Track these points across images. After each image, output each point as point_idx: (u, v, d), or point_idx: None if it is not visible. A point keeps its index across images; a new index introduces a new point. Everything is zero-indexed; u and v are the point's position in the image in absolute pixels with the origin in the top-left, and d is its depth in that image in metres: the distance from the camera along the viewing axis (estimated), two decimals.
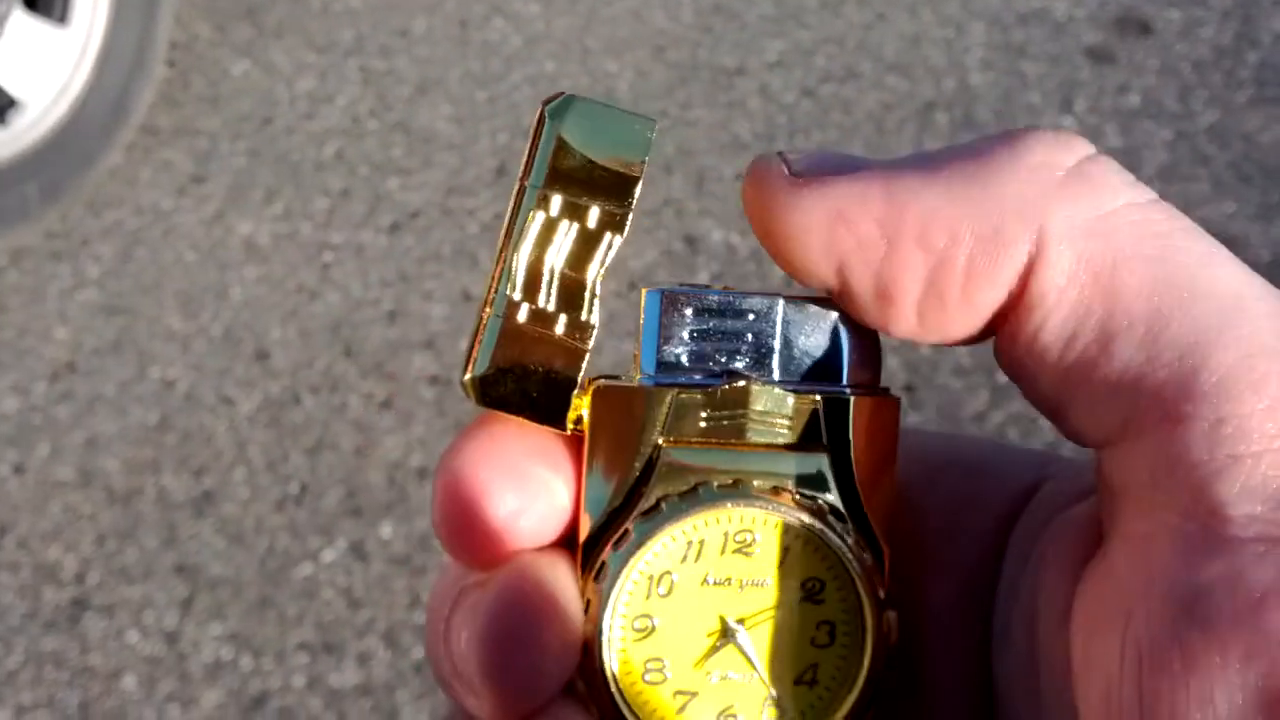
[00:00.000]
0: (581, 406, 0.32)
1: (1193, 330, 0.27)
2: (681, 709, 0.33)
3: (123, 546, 1.58)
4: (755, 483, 0.32)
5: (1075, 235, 0.29)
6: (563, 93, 0.32)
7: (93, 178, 1.96)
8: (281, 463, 1.66)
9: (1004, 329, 0.31)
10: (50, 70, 1.83)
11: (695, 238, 1.91)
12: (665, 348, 0.32)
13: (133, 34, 1.93)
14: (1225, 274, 0.28)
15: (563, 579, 0.32)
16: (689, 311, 0.32)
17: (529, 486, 0.32)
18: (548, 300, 0.32)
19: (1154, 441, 0.28)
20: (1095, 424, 0.29)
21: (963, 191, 0.29)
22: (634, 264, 1.88)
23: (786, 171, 0.31)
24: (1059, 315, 0.29)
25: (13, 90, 1.79)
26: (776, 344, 0.33)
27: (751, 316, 0.33)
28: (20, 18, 1.79)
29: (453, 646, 0.31)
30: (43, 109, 1.83)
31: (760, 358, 0.33)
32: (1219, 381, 0.27)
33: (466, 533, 0.31)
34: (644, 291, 0.33)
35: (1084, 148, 0.30)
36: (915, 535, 0.35)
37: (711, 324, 0.33)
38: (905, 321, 0.31)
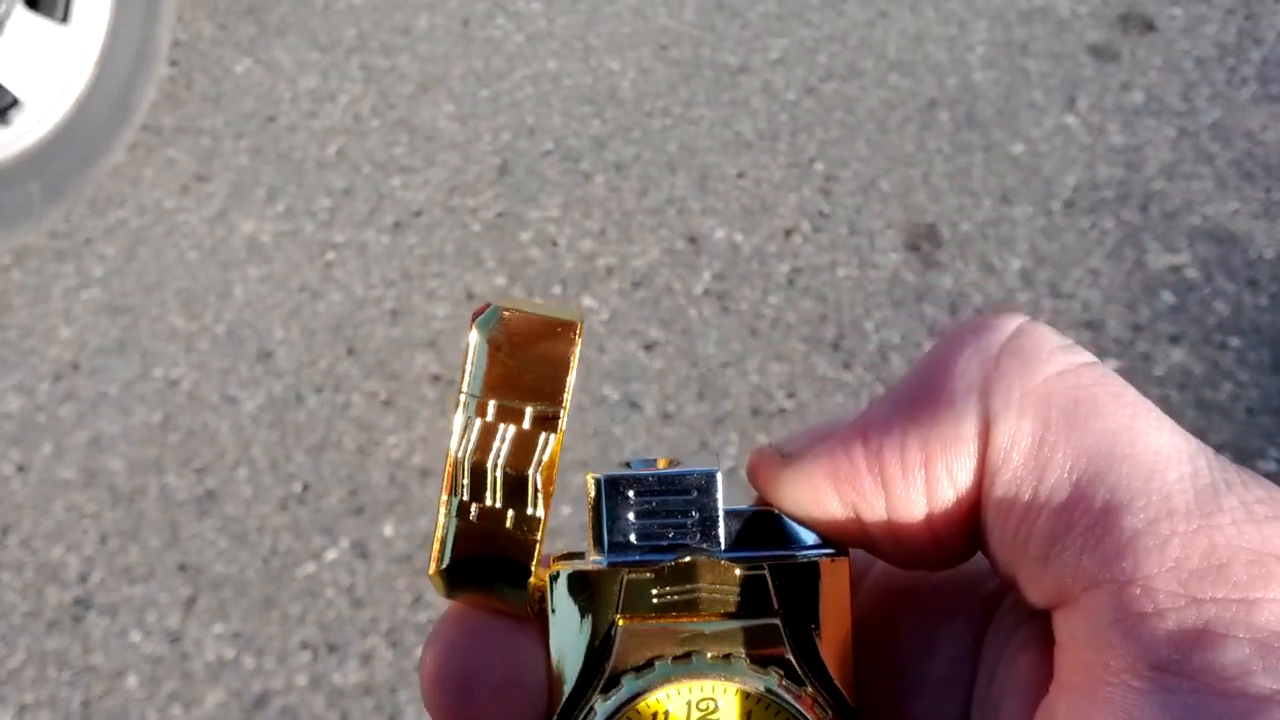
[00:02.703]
0: (543, 589, 0.34)
1: (1109, 496, 0.29)
2: None
3: (126, 546, 1.58)
4: (709, 653, 0.33)
5: (1010, 413, 0.30)
6: (489, 304, 0.33)
7: (95, 177, 1.96)
8: (284, 462, 1.66)
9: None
10: (52, 69, 1.83)
11: (698, 236, 1.91)
12: (615, 529, 0.34)
13: (135, 32, 1.93)
14: (1146, 437, 0.29)
15: None
16: (632, 493, 0.34)
17: (505, 669, 0.34)
18: (494, 499, 0.33)
19: (1080, 605, 0.29)
20: (1039, 593, 0.31)
21: (922, 410, 0.31)
22: (637, 263, 1.87)
23: (780, 456, 0.34)
24: (998, 491, 0.31)
25: (15, 89, 1.79)
26: (720, 514, 0.35)
27: (694, 492, 0.35)
28: (22, 16, 1.78)
29: None
30: (45, 108, 1.83)
31: (706, 529, 0.34)
32: (1126, 545, 0.28)
33: (454, 715, 0.33)
34: (589, 477, 0.35)
35: (1013, 322, 0.32)
36: (889, 663, 0.35)
37: (655, 502, 0.34)
38: (921, 545, 0.33)
